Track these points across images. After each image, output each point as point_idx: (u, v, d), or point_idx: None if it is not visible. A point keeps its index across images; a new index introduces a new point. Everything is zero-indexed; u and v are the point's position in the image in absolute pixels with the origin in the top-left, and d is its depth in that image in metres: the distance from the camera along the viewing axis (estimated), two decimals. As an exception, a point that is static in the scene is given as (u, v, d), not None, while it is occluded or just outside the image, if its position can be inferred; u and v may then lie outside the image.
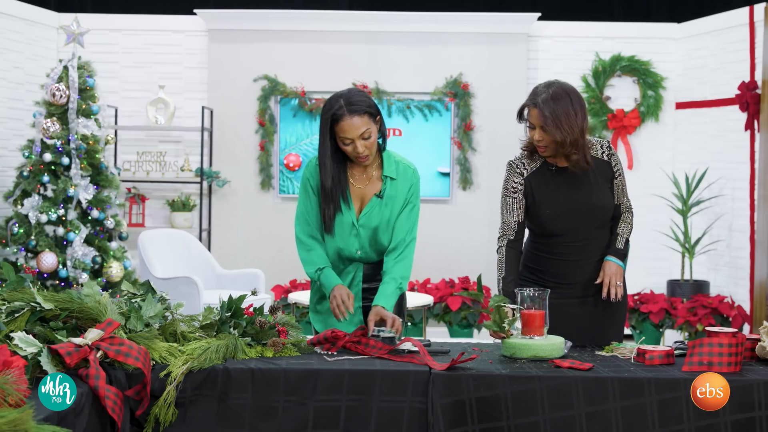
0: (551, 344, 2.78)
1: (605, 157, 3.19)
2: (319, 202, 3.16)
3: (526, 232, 3.28)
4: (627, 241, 3.23)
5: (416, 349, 2.81)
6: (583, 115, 3.08)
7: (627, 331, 6.97)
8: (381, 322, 2.97)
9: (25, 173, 6.13)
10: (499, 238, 3.24)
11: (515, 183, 3.20)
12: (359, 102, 3.04)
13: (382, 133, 3.17)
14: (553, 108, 3.03)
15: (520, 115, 3.18)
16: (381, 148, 3.20)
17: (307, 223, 3.20)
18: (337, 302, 3.04)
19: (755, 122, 6.66)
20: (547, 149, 3.12)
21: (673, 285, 7.12)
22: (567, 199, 3.14)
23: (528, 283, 3.21)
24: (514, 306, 2.87)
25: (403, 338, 2.86)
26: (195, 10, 7.42)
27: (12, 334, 2.37)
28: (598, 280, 3.15)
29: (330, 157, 3.08)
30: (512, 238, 3.19)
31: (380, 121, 3.12)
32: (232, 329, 2.80)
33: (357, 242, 3.16)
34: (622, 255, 3.19)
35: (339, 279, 3.15)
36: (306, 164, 3.21)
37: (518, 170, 3.21)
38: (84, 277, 6.03)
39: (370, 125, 3.04)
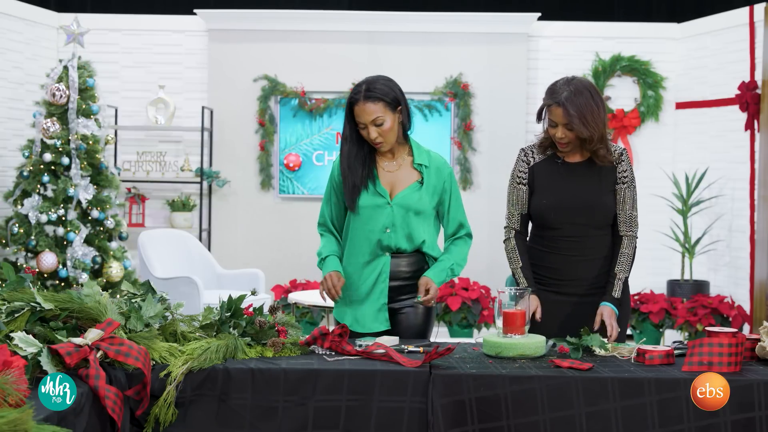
0: (533, 343, 2.78)
1: (614, 163, 3.20)
2: (338, 195, 3.29)
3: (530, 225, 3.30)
4: (625, 283, 3.18)
5: (418, 350, 2.81)
6: (604, 109, 3.11)
7: (627, 331, 6.97)
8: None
9: (25, 173, 6.13)
10: (505, 228, 3.29)
11: (520, 172, 3.24)
12: (377, 89, 3.14)
13: (404, 124, 3.22)
14: (579, 106, 3.03)
15: (539, 115, 3.17)
16: (408, 139, 3.27)
17: (321, 213, 3.35)
18: (328, 285, 3.16)
19: (755, 122, 6.66)
20: (569, 146, 3.14)
21: (673, 285, 7.12)
22: (566, 192, 3.16)
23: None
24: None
25: (376, 341, 2.84)
26: (195, 10, 7.42)
27: (12, 334, 2.37)
28: (595, 327, 3.10)
29: (347, 138, 3.21)
30: (517, 228, 3.25)
31: (402, 111, 3.18)
32: (232, 329, 2.80)
33: (388, 220, 3.19)
34: (617, 303, 3.16)
35: (339, 267, 3.23)
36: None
37: (526, 159, 3.24)
38: (84, 277, 6.03)
39: (383, 113, 3.13)
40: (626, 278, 3.19)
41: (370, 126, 3.13)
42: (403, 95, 3.22)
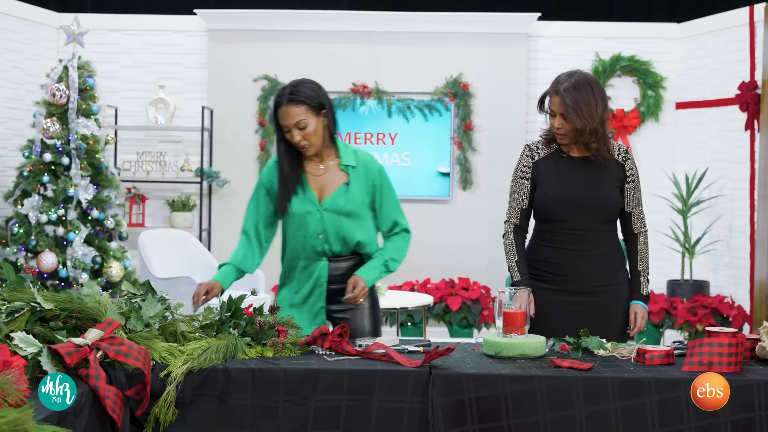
0: (533, 343, 2.78)
1: (620, 159, 3.23)
2: (267, 199, 3.28)
3: (532, 222, 3.31)
4: (648, 280, 3.29)
5: (418, 349, 2.81)
6: (603, 105, 3.14)
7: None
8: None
9: (25, 173, 6.13)
10: (505, 222, 3.33)
11: (524, 167, 3.26)
12: (300, 92, 3.12)
13: (329, 128, 3.20)
14: (575, 96, 3.08)
15: (541, 103, 3.22)
16: (334, 141, 3.26)
17: (246, 218, 3.33)
18: (196, 291, 3.10)
19: (755, 122, 6.66)
20: (566, 137, 3.17)
21: (673, 285, 7.12)
22: (571, 185, 3.18)
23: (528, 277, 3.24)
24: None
25: (376, 341, 2.85)
26: (195, 10, 7.42)
27: (12, 334, 2.37)
28: (631, 325, 3.23)
29: (281, 141, 3.18)
30: (517, 223, 3.29)
31: (326, 115, 3.17)
32: (231, 329, 2.80)
33: (319, 226, 3.19)
34: (647, 300, 3.28)
35: (225, 280, 3.21)
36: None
37: (530, 154, 3.27)
38: (84, 277, 6.03)
39: (306, 116, 3.11)
40: (648, 273, 3.28)
41: (293, 129, 3.12)
42: (328, 99, 3.22)
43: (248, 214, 3.32)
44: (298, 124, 3.11)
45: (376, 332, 3.30)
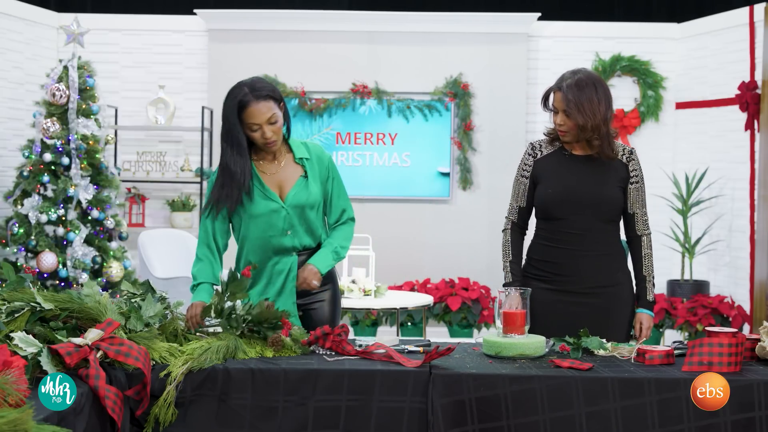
0: (533, 343, 2.78)
1: (624, 160, 3.23)
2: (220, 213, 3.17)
3: (534, 221, 3.32)
4: (654, 284, 3.31)
5: (419, 349, 2.82)
6: (607, 104, 3.13)
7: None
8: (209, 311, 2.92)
9: (25, 173, 6.13)
10: (505, 218, 3.35)
11: (526, 165, 3.28)
12: (263, 88, 3.09)
13: (287, 120, 3.19)
14: (577, 93, 3.09)
15: (545, 100, 3.23)
16: (285, 137, 3.24)
17: (204, 231, 3.19)
18: (190, 314, 2.91)
19: (755, 122, 6.66)
20: (568, 134, 3.17)
21: (673, 285, 7.12)
22: (572, 183, 3.17)
23: (528, 277, 3.23)
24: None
25: (376, 341, 2.85)
26: (195, 10, 7.42)
27: (12, 334, 2.37)
28: (637, 335, 3.24)
29: (241, 144, 3.09)
30: (515, 220, 3.31)
31: (284, 107, 3.17)
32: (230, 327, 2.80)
33: (286, 222, 3.16)
34: (652, 306, 3.28)
35: (205, 298, 3.07)
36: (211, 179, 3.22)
37: (533, 152, 3.28)
38: (84, 277, 6.03)
39: (275, 110, 3.09)
40: (653, 277, 3.28)
41: (264, 126, 3.07)
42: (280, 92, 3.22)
43: (205, 227, 3.21)
44: (270, 119, 3.08)
45: (334, 323, 3.28)
